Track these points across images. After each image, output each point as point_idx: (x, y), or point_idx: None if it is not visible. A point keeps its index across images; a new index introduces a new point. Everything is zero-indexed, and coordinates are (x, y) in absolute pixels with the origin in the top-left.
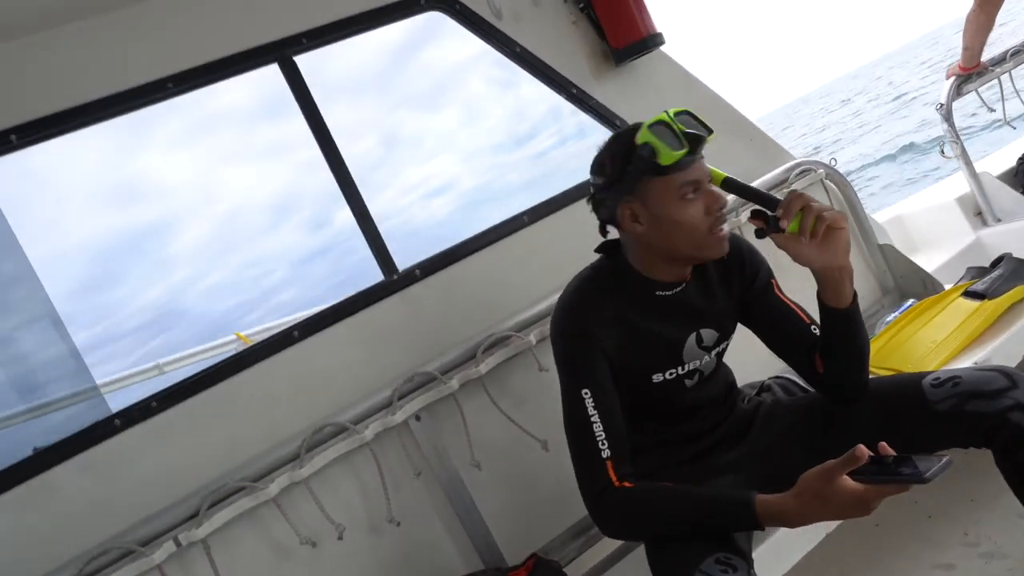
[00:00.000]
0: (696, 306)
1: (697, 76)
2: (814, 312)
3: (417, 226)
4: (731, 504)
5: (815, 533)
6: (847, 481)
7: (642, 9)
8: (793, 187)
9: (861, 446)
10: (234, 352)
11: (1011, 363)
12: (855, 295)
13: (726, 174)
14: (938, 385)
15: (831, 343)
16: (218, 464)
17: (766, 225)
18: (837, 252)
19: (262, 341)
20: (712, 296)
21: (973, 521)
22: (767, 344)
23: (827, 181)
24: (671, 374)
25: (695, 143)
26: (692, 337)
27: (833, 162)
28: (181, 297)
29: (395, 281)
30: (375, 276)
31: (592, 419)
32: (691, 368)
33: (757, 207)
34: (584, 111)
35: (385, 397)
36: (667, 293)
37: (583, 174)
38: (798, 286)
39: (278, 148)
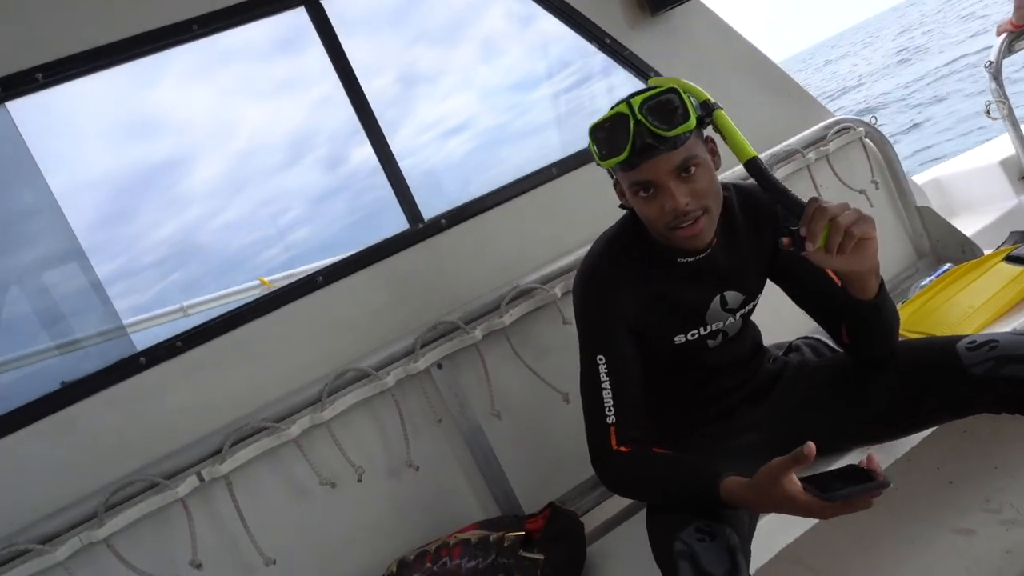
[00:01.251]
0: (721, 268)
1: (735, 27)
2: None
3: (434, 166)
4: (700, 482)
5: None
6: (791, 483)
7: None
8: (832, 146)
9: (810, 444)
10: (257, 297)
11: None
12: (881, 284)
13: (755, 154)
14: (974, 348)
15: (856, 325)
16: (241, 405)
17: (793, 244)
18: (865, 260)
19: (286, 285)
20: (739, 255)
21: (996, 488)
22: (796, 302)
23: (866, 140)
24: (693, 335)
25: (641, 146)
26: (716, 300)
27: (873, 120)
28: (197, 233)
29: (420, 230)
30: (394, 217)
31: (603, 385)
32: (714, 329)
33: (786, 228)
34: (618, 62)
35: (407, 345)
36: (689, 260)
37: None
38: None
39: (294, 84)
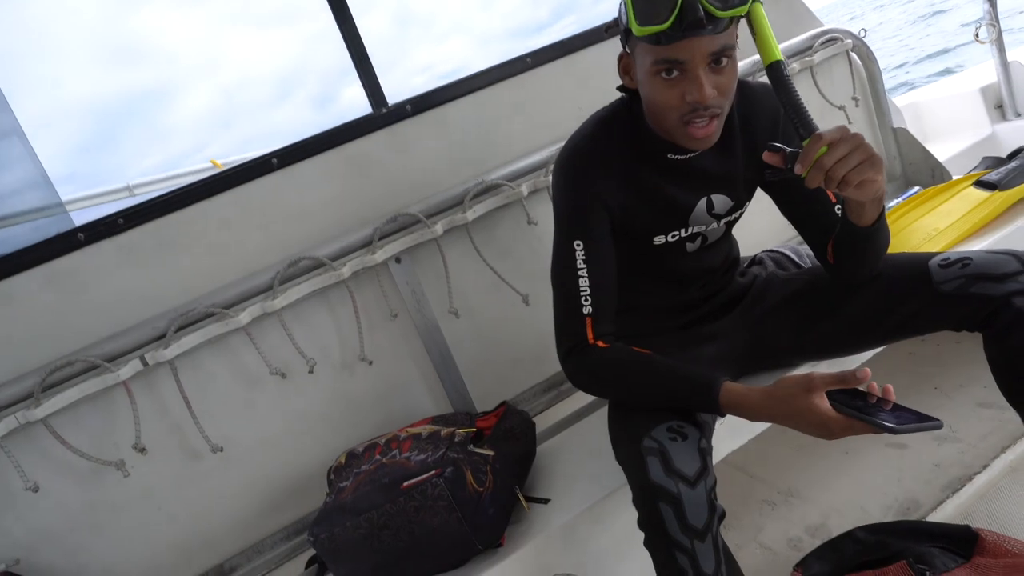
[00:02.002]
0: (711, 171)
1: None
2: None
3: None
4: (696, 384)
5: None
6: (823, 400)
7: None
8: (817, 57)
9: (867, 370)
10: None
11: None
12: (882, 212)
13: (782, 58)
14: (946, 265)
15: (844, 247)
16: (187, 289)
17: (783, 162)
18: (867, 191)
19: (239, 165)
20: (733, 160)
21: (933, 407)
22: (785, 215)
23: (852, 53)
24: (674, 236)
25: (688, 19)
26: (703, 202)
27: (862, 33)
28: (179, 167)
29: (384, 115)
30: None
31: (580, 273)
32: (695, 231)
33: (775, 144)
34: None
35: (365, 236)
36: (679, 157)
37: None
38: None
39: (285, 16)
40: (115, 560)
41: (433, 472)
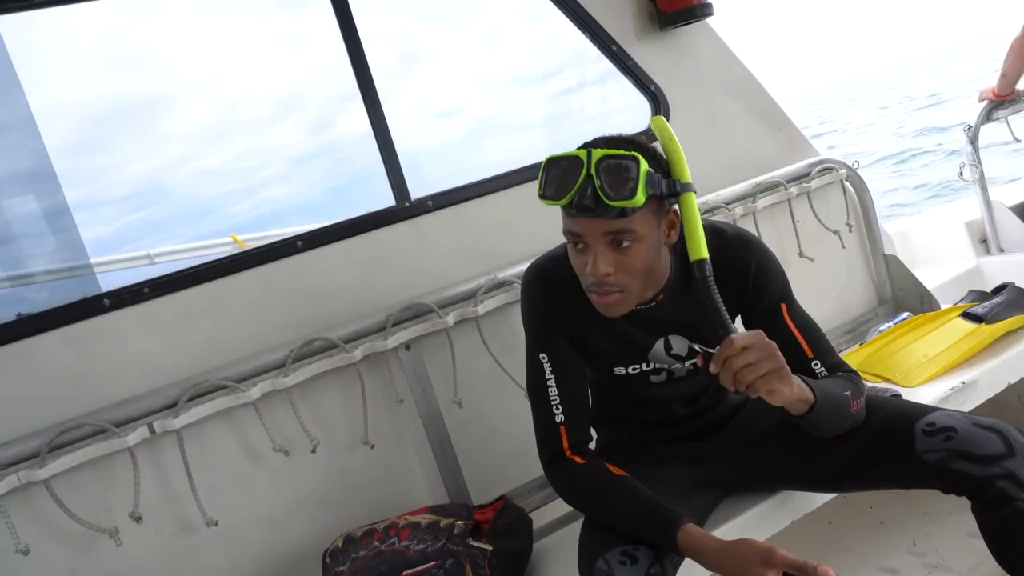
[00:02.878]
0: (668, 318)
1: (737, 55)
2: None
3: (422, 146)
4: (659, 520)
5: (770, 526)
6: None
7: None
8: (814, 184)
9: (828, 569)
10: (228, 253)
11: (998, 387)
12: (812, 404)
13: (705, 256)
14: (931, 434)
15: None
16: (202, 360)
17: (702, 364)
18: (773, 399)
19: (264, 246)
20: (694, 310)
21: (923, 533)
22: None
23: (846, 183)
24: (634, 369)
25: (581, 205)
26: (660, 343)
27: (856, 164)
28: (170, 176)
29: (406, 208)
30: (376, 191)
31: (548, 383)
32: (656, 367)
33: (695, 347)
34: (621, 71)
35: (379, 322)
36: (634, 307)
37: (597, 123)
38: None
39: (293, 40)
40: None
41: (433, 563)
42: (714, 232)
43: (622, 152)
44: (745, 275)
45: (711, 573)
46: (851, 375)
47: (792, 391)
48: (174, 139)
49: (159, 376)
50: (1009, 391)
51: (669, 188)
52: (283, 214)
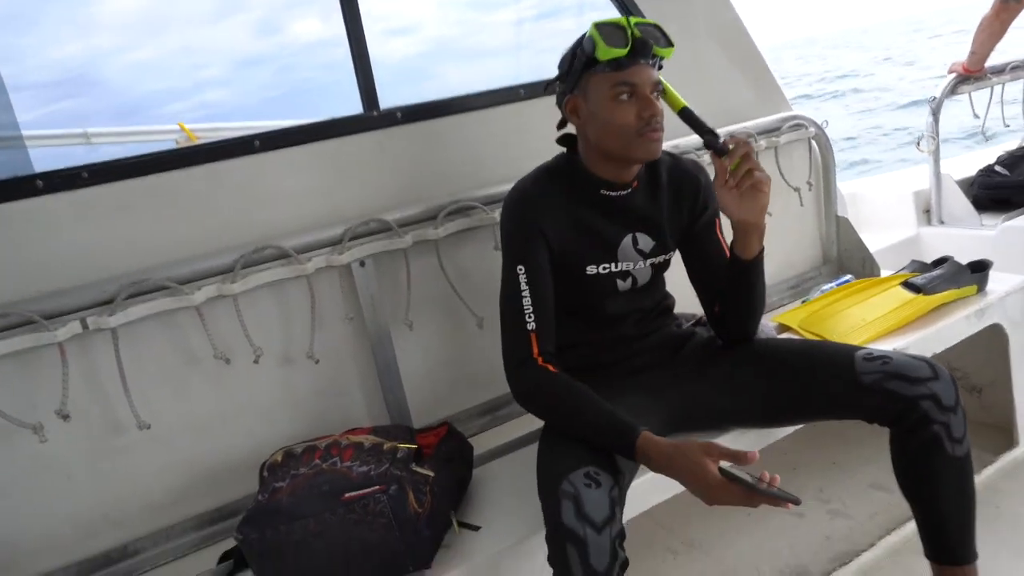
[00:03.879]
0: (639, 211)
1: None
2: None
3: (373, 62)
4: (619, 427)
5: None
6: (714, 465)
7: None
8: (783, 139)
9: (755, 454)
10: (173, 143)
11: (926, 355)
12: (761, 252)
13: (687, 104)
14: (870, 359)
15: (727, 288)
16: (142, 257)
17: (713, 150)
18: (753, 210)
19: (219, 141)
20: (659, 208)
21: (831, 480)
22: (687, 270)
23: (813, 141)
24: (605, 268)
25: (640, 47)
26: (628, 238)
27: (825, 124)
28: (101, 64)
29: (374, 118)
30: (327, 109)
31: (523, 293)
32: (624, 268)
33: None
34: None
35: (336, 234)
36: (612, 194)
37: (556, 56)
38: None
39: None
40: (9, 530)
41: (377, 488)
42: (670, 155)
43: (648, 20)
44: (697, 188)
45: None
46: None
47: (764, 212)
48: (107, 26)
49: (94, 270)
50: (935, 359)
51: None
52: (226, 116)
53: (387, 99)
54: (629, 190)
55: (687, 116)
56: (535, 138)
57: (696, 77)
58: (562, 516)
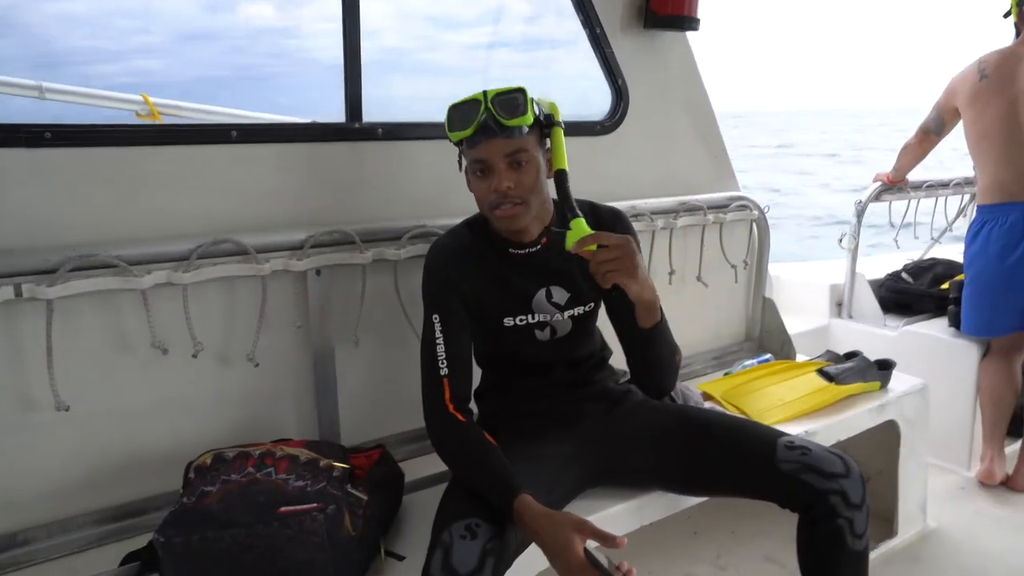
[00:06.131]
0: (550, 265)
1: (702, 76)
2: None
3: (314, 61)
4: (504, 487)
5: (619, 526)
6: (581, 544)
7: None
8: (729, 217)
9: (623, 540)
10: (134, 114)
11: (831, 442)
12: (657, 323)
13: (564, 168)
14: (791, 448)
15: (633, 349)
16: (94, 229)
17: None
18: (630, 289)
19: (196, 126)
20: (570, 262)
21: (727, 549)
22: (611, 320)
23: (754, 223)
24: (521, 320)
25: (487, 125)
26: (542, 292)
27: (767, 208)
28: (30, 7)
29: (355, 129)
30: (266, 99)
31: (438, 341)
32: (541, 320)
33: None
34: (597, 55)
35: (298, 239)
36: (519, 252)
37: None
38: None
39: None
40: None
41: (316, 505)
42: (591, 205)
43: (510, 88)
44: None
45: None
46: None
47: (642, 290)
48: None
49: (41, 235)
50: (837, 446)
51: (547, 118)
52: (158, 88)
53: (322, 98)
54: (538, 247)
55: (559, 182)
56: None
57: (662, 146)
58: (431, 566)
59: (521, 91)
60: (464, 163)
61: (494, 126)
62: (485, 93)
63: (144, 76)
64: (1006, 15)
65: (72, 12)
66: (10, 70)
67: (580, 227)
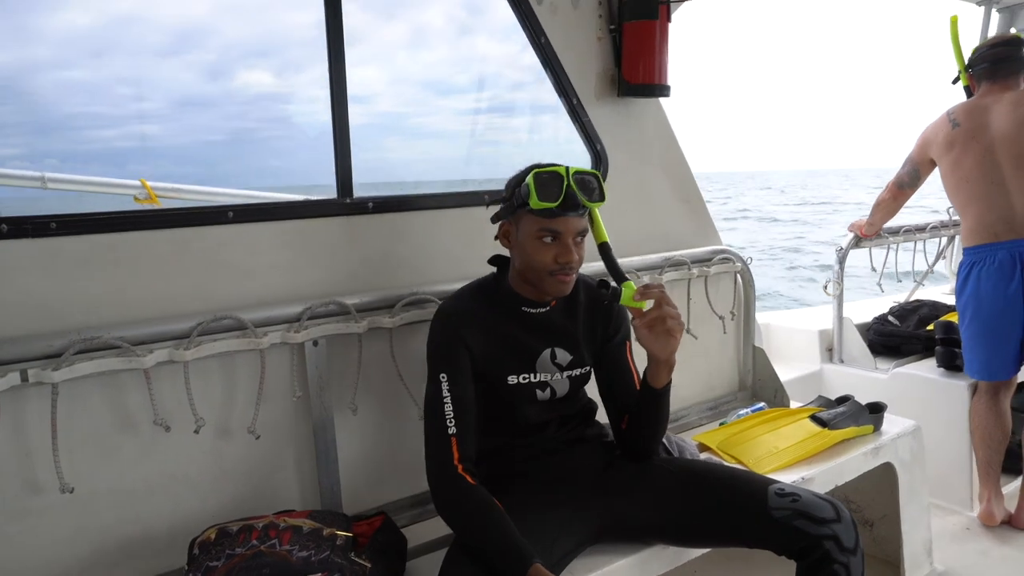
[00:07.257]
0: (556, 326)
1: (677, 138)
2: None
3: (308, 125)
4: (513, 555)
5: None
6: None
7: (664, 58)
8: (713, 270)
9: None
10: (132, 198)
11: (828, 487)
12: (669, 382)
13: (607, 240)
14: (781, 495)
15: (638, 410)
16: (96, 313)
17: (610, 296)
18: (665, 349)
19: (192, 208)
20: (575, 325)
21: None
22: (598, 385)
23: (738, 275)
24: (525, 379)
25: (570, 202)
26: (547, 352)
27: (750, 260)
28: (31, 76)
29: (346, 204)
30: (262, 162)
31: (445, 399)
32: (543, 379)
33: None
34: (574, 123)
35: (295, 312)
36: (531, 311)
37: (496, 148)
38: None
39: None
40: None
41: (320, 574)
42: (583, 280)
43: (588, 170)
44: (610, 314)
45: None
46: None
47: (674, 353)
48: (45, 36)
49: (45, 321)
50: (835, 491)
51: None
52: (158, 152)
53: (323, 161)
54: (548, 308)
55: (605, 252)
56: (494, 243)
57: (643, 205)
58: None
59: (596, 176)
60: (517, 226)
61: (577, 204)
62: (567, 169)
63: (142, 140)
64: (954, 81)
65: (75, 79)
66: (10, 135)
67: (631, 288)
